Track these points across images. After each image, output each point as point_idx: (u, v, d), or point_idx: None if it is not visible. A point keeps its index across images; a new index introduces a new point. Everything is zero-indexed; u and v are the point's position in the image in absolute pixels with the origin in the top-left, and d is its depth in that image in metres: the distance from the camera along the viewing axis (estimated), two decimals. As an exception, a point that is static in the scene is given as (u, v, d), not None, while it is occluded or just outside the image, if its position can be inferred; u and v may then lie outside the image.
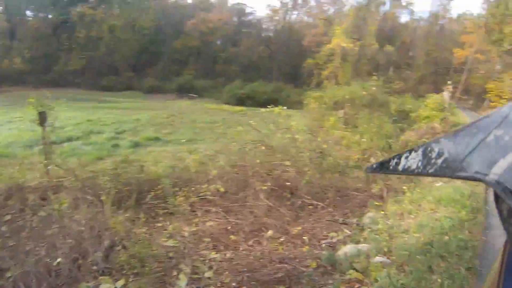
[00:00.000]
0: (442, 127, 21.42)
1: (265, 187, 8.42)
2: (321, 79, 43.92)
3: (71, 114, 20.71)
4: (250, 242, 7.09)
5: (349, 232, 7.72)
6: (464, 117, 40.22)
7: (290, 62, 63.84)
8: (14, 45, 56.46)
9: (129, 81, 56.77)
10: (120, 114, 20.60)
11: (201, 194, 8.55)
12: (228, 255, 6.68)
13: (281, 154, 9.52)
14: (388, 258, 6.55)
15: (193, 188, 8.69)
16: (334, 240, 7.43)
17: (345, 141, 14.81)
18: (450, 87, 24.10)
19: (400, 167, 0.70)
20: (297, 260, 6.42)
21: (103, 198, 7.52)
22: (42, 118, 9.63)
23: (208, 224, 7.66)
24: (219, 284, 5.91)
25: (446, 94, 23.66)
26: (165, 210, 8.23)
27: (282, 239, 7.22)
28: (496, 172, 0.50)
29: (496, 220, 10.35)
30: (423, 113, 23.57)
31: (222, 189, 8.52)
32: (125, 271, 5.95)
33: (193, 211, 8.21)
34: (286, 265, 6.17)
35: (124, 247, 6.42)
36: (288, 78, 58.96)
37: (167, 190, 8.59)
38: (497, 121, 0.54)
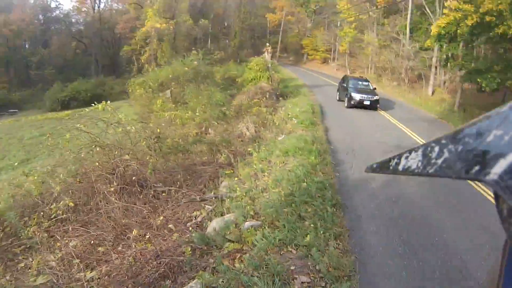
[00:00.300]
0: (269, 85, 22.58)
1: (113, 188, 8.22)
2: (141, 64, 43.19)
3: None
4: (119, 248, 6.95)
5: (210, 207, 7.93)
6: (288, 72, 42.88)
7: (107, 54, 61.79)
8: None
9: None
10: None
11: (53, 216, 8.02)
12: (104, 269, 6.46)
13: (118, 150, 9.30)
14: (257, 220, 6.89)
15: (42, 213, 8.13)
16: (199, 219, 7.60)
17: (179, 120, 14.95)
18: (269, 48, 25.22)
19: (400, 167, 0.68)
20: (172, 250, 6.46)
21: None
22: None
23: (71, 244, 7.25)
24: None
25: (266, 55, 24.75)
26: (22, 247, 7.63)
27: (148, 236, 7.17)
28: (496, 171, 0.50)
29: (342, 155, 11.42)
30: (248, 76, 24.38)
31: (71, 204, 8.02)
32: None
33: (51, 236, 7.69)
34: (163, 259, 6.16)
35: None
36: (108, 71, 57.21)
37: (15, 224, 7.95)
38: (497, 121, 0.55)
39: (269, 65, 24.38)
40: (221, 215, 7.49)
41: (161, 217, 7.66)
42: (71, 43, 62.20)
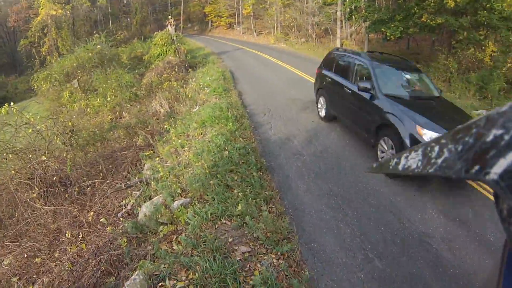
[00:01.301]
0: (177, 58, 22.10)
1: (35, 194, 7.85)
2: (43, 57, 41.14)
3: None
4: (56, 254, 6.67)
5: (137, 193, 7.77)
6: (195, 42, 42.36)
7: (4, 51, 58.06)
8: None
9: None
10: None
11: None
12: (45, 280, 6.16)
13: (32, 152, 8.83)
14: (185, 197, 6.83)
15: None
16: (129, 207, 7.46)
17: (90, 109, 14.41)
18: (172, 21, 24.61)
19: (400, 167, 0.69)
20: (108, 245, 6.28)
21: None
22: None
23: (5, 263, 6.84)
24: None
25: (170, 28, 24.19)
26: None
27: (81, 235, 6.95)
28: (496, 172, 0.51)
29: (259, 117, 11.43)
30: (154, 52, 23.79)
31: None
32: None
33: None
34: (102, 255, 5.98)
35: None
36: (8, 69, 53.82)
37: None
38: (497, 120, 0.55)
39: (174, 38, 23.84)
40: (150, 199, 7.37)
41: (91, 213, 7.42)
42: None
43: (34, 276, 6.34)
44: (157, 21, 61.13)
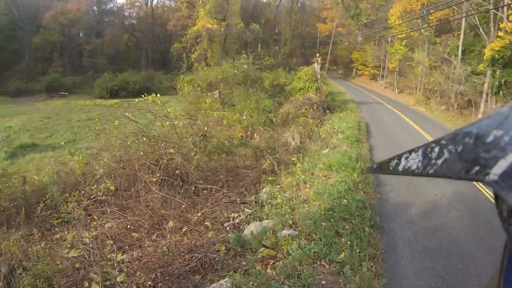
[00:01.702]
0: (317, 97, 22.30)
1: (155, 179, 8.31)
2: (191, 63, 43.57)
3: None
4: (154, 237, 7.03)
5: (249, 211, 7.92)
6: (337, 85, 42.47)
7: (158, 49, 62.81)
8: None
9: (-10, 85, 51.64)
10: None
11: (93, 196, 8.25)
12: (136, 254, 6.58)
13: (164, 142, 9.40)
14: (294, 230, 6.84)
15: (83, 191, 8.37)
16: (236, 221, 7.60)
17: (226, 121, 14.96)
18: (319, 59, 24.85)
19: (400, 168, 0.69)
20: (206, 247, 6.47)
21: None
22: None
23: (107, 225, 7.43)
24: (134, 287, 5.86)
25: (316, 66, 24.38)
26: (60, 220, 7.88)
27: (185, 229, 7.22)
28: (496, 172, 0.51)
29: (384, 177, 11.23)
30: (297, 85, 24.16)
31: (112, 187, 8.25)
32: None
33: (89, 215, 7.93)
34: (196, 254, 6.20)
35: (25, 269, 6.06)
36: (158, 65, 57.81)
37: (57, 198, 8.21)
38: (497, 121, 0.55)
39: (318, 76, 24.09)
40: (260, 220, 7.49)
41: (199, 214, 7.70)
42: (123, 36, 63.04)
43: (127, 247, 6.79)
44: (303, 56, 62.37)
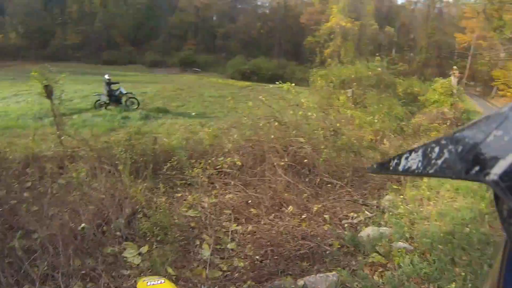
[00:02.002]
0: (452, 113, 20.73)
1: (283, 163, 8.29)
2: (324, 58, 43.43)
3: (77, 87, 20.54)
4: (271, 217, 7.05)
5: (369, 214, 7.66)
6: (474, 104, 39.57)
7: (290, 40, 63.16)
8: (5, 21, 54.93)
9: (130, 55, 55.34)
10: (126, 87, 20.32)
11: (218, 167, 8.47)
12: (250, 228, 6.67)
13: (295, 130, 9.37)
14: (410, 244, 6.50)
15: (209, 161, 8.61)
16: (355, 221, 7.38)
17: (358, 121, 14.56)
18: (457, 72, 23.54)
19: (400, 168, 0.70)
20: (320, 238, 6.39)
21: (120, 167, 7.51)
22: (48, 91, 9.80)
23: (227, 196, 7.62)
24: (242, 256, 5.93)
25: (453, 79, 23.08)
26: (183, 181, 8.29)
27: (304, 216, 7.13)
28: (496, 172, 0.50)
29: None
30: (431, 97, 22.95)
31: (239, 163, 8.41)
32: (148, 238, 6.02)
33: (211, 183, 8.17)
34: (309, 242, 6.13)
35: (145, 215, 6.43)
36: (289, 56, 58.24)
37: (183, 161, 8.61)
38: (497, 121, 0.54)
39: (454, 91, 22.76)
40: (378, 226, 7.21)
41: (319, 205, 7.55)
42: (256, 23, 64.48)
43: (243, 220, 6.93)
44: (439, 67, 58.67)
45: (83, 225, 5.69)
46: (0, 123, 13.96)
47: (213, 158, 8.77)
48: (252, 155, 8.84)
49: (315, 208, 7.36)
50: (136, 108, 17.78)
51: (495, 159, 0.51)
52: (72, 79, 18.12)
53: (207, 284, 5.13)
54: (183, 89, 24.74)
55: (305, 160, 8.64)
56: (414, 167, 0.65)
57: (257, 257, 5.84)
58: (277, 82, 11.22)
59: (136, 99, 18.20)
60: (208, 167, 8.34)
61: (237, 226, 6.71)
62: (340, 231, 6.76)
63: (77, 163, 8.13)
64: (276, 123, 9.44)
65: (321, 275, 5.04)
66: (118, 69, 40.58)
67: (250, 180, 8.17)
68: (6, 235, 5.39)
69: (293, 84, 10.66)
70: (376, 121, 14.12)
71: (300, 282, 5.02)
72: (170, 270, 5.33)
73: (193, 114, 16.41)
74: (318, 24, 49.52)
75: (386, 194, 8.64)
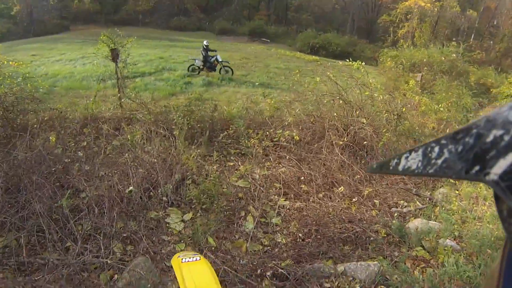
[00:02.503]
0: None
1: (342, 142, 8.05)
2: (397, 38, 41.93)
3: (143, 51, 20.66)
4: (321, 195, 6.91)
5: (420, 205, 7.36)
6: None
7: (364, 17, 61.44)
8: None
9: (199, 22, 55.58)
10: (191, 53, 20.35)
11: (275, 139, 8.42)
12: (298, 204, 6.58)
13: (358, 111, 9.03)
14: (457, 243, 6.22)
15: (267, 133, 8.56)
16: (404, 210, 7.14)
17: (423, 107, 13.95)
18: (540, 69, 21.98)
19: (400, 167, 0.69)
20: (366, 223, 6.24)
21: (175, 132, 7.62)
22: (114, 54, 10.04)
23: (280, 170, 7.53)
24: (285, 232, 5.88)
25: (535, 74, 21.61)
26: (237, 151, 8.30)
27: (354, 199, 6.97)
28: (496, 172, 0.50)
29: None
30: (506, 90, 21.55)
31: (297, 137, 8.24)
32: (193, 206, 6.06)
33: (266, 155, 8.13)
34: (355, 226, 5.99)
35: (194, 182, 6.46)
36: (362, 33, 56.49)
37: (241, 131, 8.56)
38: (497, 121, 0.53)
39: (532, 87, 21.22)
40: (427, 219, 6.90)
41: (371, 189, 7.35)
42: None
43: (291, 195, 6.87)
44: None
45: (130, 188, 5.76)
46: (64, 83, 14.40)
47: (271, 130, 8.71)
48: (312, 131, 8.64)
49: (366, 191, 7.16)
50: (231, 76, 17.60)
51: (495, 159, 0.51)
52: (139, 43, 18.42)
53: (246, 258, 5.06)
54: (250, 58, 24.53)
55: (365, 142, 8.36)
56: (414, 166, 0.65)
57: (300, 234, 5.77)
58: (347, 60, 10.89)
59: (231, 68, 17.94)
60: (265, 138, 8.30)
61: (285, 201, 6.65)
62: (388, 219, 6.56)
63: (134, 125, 8.26)
64: (341, 101, 9.15)
65: (363, 263, 4.93)
66: (186, 35, 40.89)
67: (306, 156, 8.01)
68: (56, 193, 5.51)
69: (363, 63, 10.30)
70: (442, 109, 13.46)
71: (340, 267, 4.90)
72: (211, 240, 5.35)
73: (257, 84, 16.21)
74: (396, 2, 47.71)
75: (441, 187, 8.26)
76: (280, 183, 7.07)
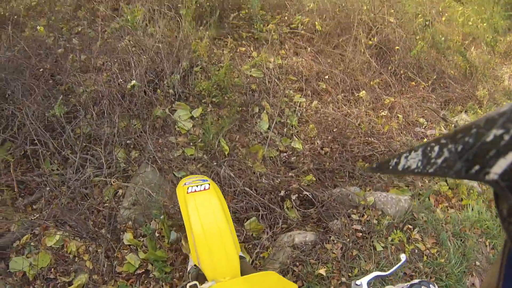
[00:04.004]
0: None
1: (371, 42, 7.14)
2: None
3: None
4: (340, 97, 6.22)
5: (445, 131, 6.67)
6: None
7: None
8: None
9: None
10: None
11: (293, 26, 7.43)
12: (315, 103, 5.89)
13: (387, 5, 7.96)
14: (480, 186, 5.64)
15: (285, 17, 7.58)
16: (428, 133, 6.48)
17: (449, 13, 12.66)
18: None
19: (399, 167, 0.65)
20: (387, 139, 5.65)
21: (182, 11, 6.57)
22: None
23: (297, 60, 6.68)
24: (302, 136, 5.29)
25: None
26: (249, 34, 7.29)
27: (380, 112, 6.26)
28: (496, 171, 0.48)
29: None
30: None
31: (319, 27, 7.23)
32: (203, 99, 5.31)
33: (281, 42, 7.19)
34: (377, 141, 5.43)
35: (203, 70, 5.68)
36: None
37: (254, 12, 7.46)
38: (497, 120, 0.50)
39: None
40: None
41: (393, 99, 6.65)
42: None
43: (308, 92, 6.15)
44: None
45: (133, 82, 4.95)
46: None
47: (287, 14, 7.74)
48: (335, 22, 7.58)
49: (387, 100, 6.52)
50: None
51: (495, 158, 0.49)
52: None
53: (264, 172, 4.51)
54: None
55: (397, 48, 7.40)
56: (413, 166, 0.63)
57: (318, 141, 5.21)
58: None
59: None
60: (282, 24, 7.36)
61: (301, 97, 5.95)
62: (410, 138, 6.00)
63: (134, 4, 7.23)
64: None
65: (393, 196, 4.42)
66: None
67: (327, 49, 7.14)
68: (49, 97, 4.72)
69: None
70: (470, 23, 12.23)
71: (370, 198, 4.37)
72: (223, 143, 4.71)
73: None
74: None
75: (465, 110, 7.52)
76: (296, 76, 6.31)
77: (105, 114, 4.56)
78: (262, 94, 5.63)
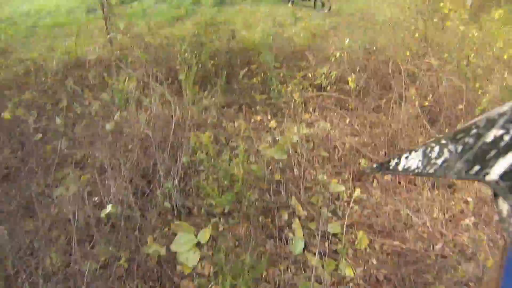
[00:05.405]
0: None
1: (426, 103, 5.17)
2: None
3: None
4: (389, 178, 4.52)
5: None
6: None
7: None
8: None
9: None
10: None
11: (316, 83, 5.97)
12: (358, 193, 4.00)
13: (437, 46, 6.24)
14: None
15: (308, 74, 6.08)
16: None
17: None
18: None
19: (400, 167, 0.69)
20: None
21: (181, 77, 5.49)
22: None
23: (323, 125, 5.25)
24: (350, 252, 3.52)
25: None
26: (265, 96, 6.02)
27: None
28: (496, 172, 0.51)
29: None
30: None
31: (352, 84, 5.38)
32: (213, 210, 3.83)
33: (304, 103, 5.64)
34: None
35: (209, 162, 4.17)
36: None
37: (267, 67, 6.26)
38: (497, 120, 0.53)
39: None
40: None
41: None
42: None
43: (348, 176, 4.42)
44: None
45: (109, 207, 3.55)
46: (48, 20, 11.80)
47: (303, 64, 6.49)
48: (371, 72, 6.04)
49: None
50: (328, 11, 11.72)
51: (495, 159, 0.51)
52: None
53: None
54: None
55: (460, 107, 5.15)
56: (414, 166, 0.66)
57: (374, 260, 3.45)
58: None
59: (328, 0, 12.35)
60: (303, 81, 5.80)
61: (338, 184, 4.23)
62: None
63: (126, 70, 5.94)
64: (413, 27, 6.47)
65: None
66: None
67: (362, 112, 5.55)
68: None
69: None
70: (500, 46, 10.29)
71: None
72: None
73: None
74: None
75: None
76: (326, 150, 4.74)
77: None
78: (289, 187, 4.09)
